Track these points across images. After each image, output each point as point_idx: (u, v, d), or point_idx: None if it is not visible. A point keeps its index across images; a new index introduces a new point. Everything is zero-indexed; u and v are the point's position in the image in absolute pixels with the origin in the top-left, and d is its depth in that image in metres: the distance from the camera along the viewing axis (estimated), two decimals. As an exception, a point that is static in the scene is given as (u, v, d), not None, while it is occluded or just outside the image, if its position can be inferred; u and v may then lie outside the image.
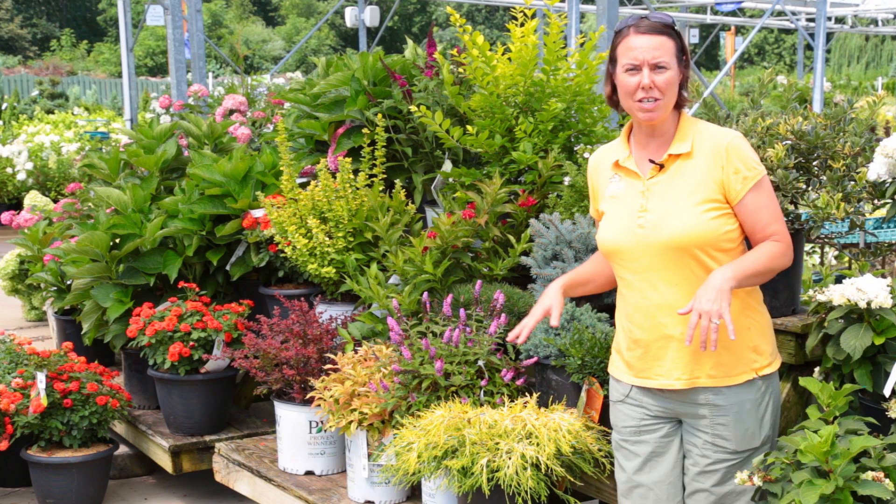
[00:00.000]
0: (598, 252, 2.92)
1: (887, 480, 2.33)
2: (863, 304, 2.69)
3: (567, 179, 4.02)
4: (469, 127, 4.29)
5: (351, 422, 3.63)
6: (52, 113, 18.08)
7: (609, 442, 3.12)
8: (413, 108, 4.38)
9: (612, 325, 3.46)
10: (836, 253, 3.77)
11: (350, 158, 4.53)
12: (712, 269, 2.55)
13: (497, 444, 3.03)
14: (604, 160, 2.79)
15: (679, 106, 2.66)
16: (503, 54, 4.25)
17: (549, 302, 2.81)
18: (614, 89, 2.67)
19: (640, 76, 2.56)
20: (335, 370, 3.83)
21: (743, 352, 2.61)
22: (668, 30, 2.58)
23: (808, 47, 18.05)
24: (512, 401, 3.33)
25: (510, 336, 2.83)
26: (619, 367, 2.80)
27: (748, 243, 2.67)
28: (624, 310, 2.74)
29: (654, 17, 2.59)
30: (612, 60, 2.65)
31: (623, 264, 2.68)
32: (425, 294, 3.77)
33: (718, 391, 2.61)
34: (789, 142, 3.39)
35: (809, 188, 3.46)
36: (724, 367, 2.60)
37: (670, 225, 2.57)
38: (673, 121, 2.65)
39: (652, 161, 2.64)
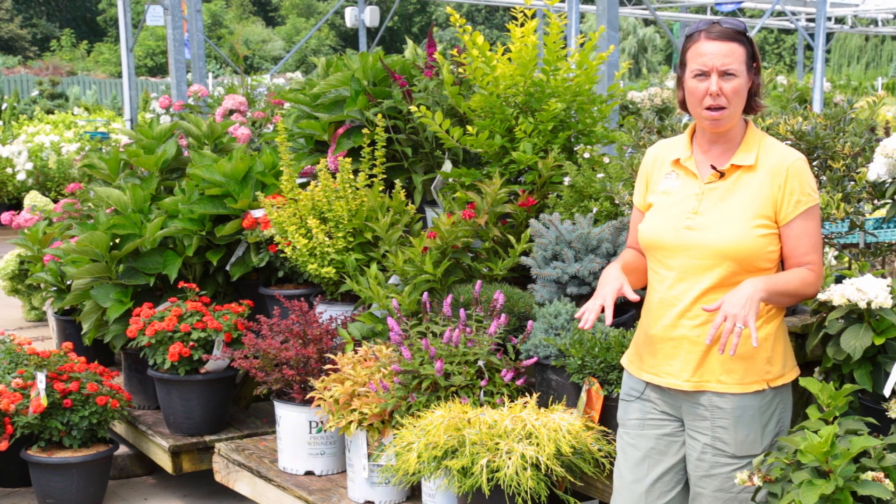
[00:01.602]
0: (627, 250, 2.90)
1: (887, 480, 2.33)
2: (863, 305, 2.69)
3: (567, 179, 4.02)
4: (469, 127, 4.29)
5: (351, 422, 3.63)
6: (52, 113, 18.07)
7: (609, 442, 3.12)
8: (413, 108, 4.38)
9: (612, 325, 3.46)
10: (836, 253, 3.77)
11: (350, 158, 4.53)
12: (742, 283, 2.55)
13: (497, 444, 3.03)
14: (664, 154, 2.77)
15: (752, 111, 2.65)
16: (503, 54, 4.25)
17: (619, 281, 2.66)
18: (685, 94, 2.65)
19: (708, 82, 2.54)
20: (335, 370, 3.83)
21: (757, 362, 2.59)
22: (740, 36, 2.56)
23: (808, 47, 18.05)
24: (512, 401, 3.33)
25: (587, 322, 2.58)
26: (633, 360, 2.80)
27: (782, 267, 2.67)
28: (649, 304, 2.73)
29: (725, 24, 2.57)
30: (682, 65, 2.63)
31: (660, 259, 2.68)
32: (425, 294, 3.78)
33: (724, 395, 2.60)
34: (789, 142, 3.39)
35: (809, 188, 3.46)
36: (736, 375, 2.59)
37: (719, 233, 2.57)
38: (739, 129, 2.64)
39: (714, 168, 2.63)
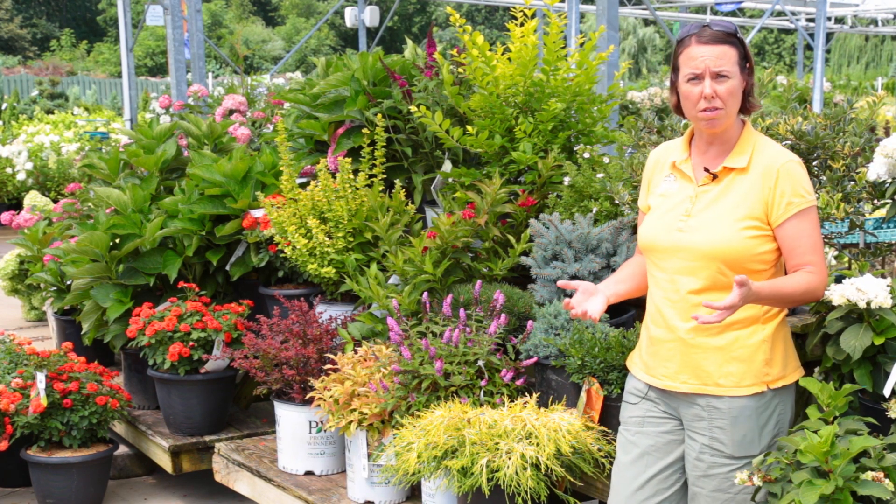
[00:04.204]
0: (631, 259, 2.95)
1: (887, 480, 2.33)
2: (862, 304, 2.69)
3: (567, 179, 4.02)
4: (469, 127, 4.29)
5: (351, 422, 3.63)
6: (52, 113, 18.08)
7: (609, 442, 3.13)
8: (413, 108, 4.38)
9: (612, 325, 3.47)
10: (836, 253, 3.77)
11: (350, 158, 4.53)
12: None
13: (497, 444, 3.03)
14: (664, 157, 2.80)
15: (747, 111, 2.66)
16: (503, 54, 4.25)
17: (602, 293, 2.76)
18: (679, 98, 2.67)
19: (701, 85, 2.56)
20: (335, 370, 3.83)
21: (755, 364, 2.60)
22: (731, 38, 2.58)
23: (808, 47, 18.05)
24: (512, 401, 3.33)
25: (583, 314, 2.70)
26: (635, 361, 2.83)
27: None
28: (649, 307, 2.76)
29: (715, 26, 2.58)
30: (675, 70, 2.65)
31: (656, 262, 2.71)
32: (425, 294, 3.78)
33: (722, 397, 2.61)
34: (789, 142, 3.39)
35: (809, 188, 3.45)
36: (734, 378, 2.60)
37: (707, 235, 2.59)
38: (735, 130, 2.65)
39: (706, 170, 2.65)
